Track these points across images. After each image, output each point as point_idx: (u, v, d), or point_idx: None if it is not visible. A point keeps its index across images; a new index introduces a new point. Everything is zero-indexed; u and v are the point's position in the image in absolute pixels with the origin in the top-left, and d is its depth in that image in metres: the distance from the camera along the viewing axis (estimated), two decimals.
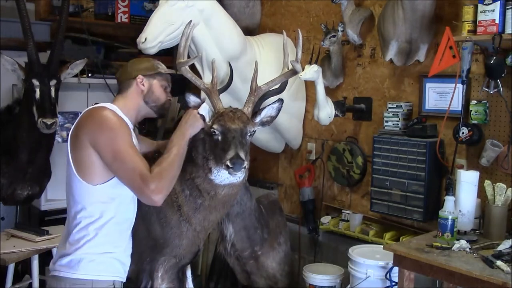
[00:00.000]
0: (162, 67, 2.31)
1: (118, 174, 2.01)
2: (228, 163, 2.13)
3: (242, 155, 2.14)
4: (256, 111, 2.38)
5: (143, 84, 2.21)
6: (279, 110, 2.39)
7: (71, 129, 2.08)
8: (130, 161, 1.97)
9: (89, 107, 2.11)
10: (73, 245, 2.05)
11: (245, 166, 2.15)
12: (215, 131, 2.21)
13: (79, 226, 2.05)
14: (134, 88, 2.20)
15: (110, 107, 2.10)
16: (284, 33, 2.62)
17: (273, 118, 2.41)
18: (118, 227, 2.11)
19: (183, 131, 2.18)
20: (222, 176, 2.25)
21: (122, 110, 2.13)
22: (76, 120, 2.08)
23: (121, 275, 2.16)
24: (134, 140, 2.12)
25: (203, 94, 2.44)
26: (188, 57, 2.43)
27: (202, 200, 2.40)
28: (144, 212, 2.47)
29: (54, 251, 3.29)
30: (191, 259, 2.67)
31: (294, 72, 2.46)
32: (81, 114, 2.09)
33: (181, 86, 2.67)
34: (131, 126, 2.14)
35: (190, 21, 2.38)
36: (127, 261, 2.20)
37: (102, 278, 2.06)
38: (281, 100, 2.39)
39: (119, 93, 2.24)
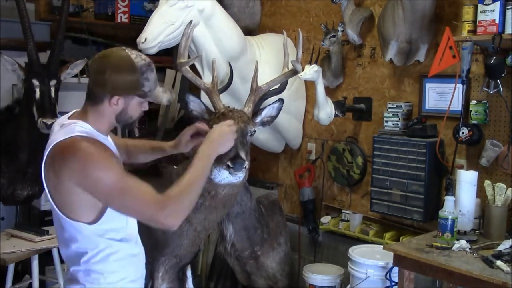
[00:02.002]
0: (151, 83, 1.84)
1: (121, 210, 1.77)
2: (228, 163, 2.13)
3: (242, 155, 2.14)
4: (257, 111, 2.39)
5: (116, 104, 1.82)
6: (279, 110, 2.40)
7: (43, 163, 1.79)
8: (129, 193, 1.73)
9: (58, 140, 1.76)
10: (85, 275, 1.85)
11: (245, 166, 2.15)
12: None
13: (86, 261, 1.83)
14: (106, 106, 1.82)
15: (81, 132, 1.78)
16: (285, 33, 2.62)
17: (273, 118, 2.41)
18: (127, 249, 1.91)
19: (213, 148, 1.92)
20: (222, 176, 2.26)
21: (94, 126, 1.83)
22: (46, 155, 1.78)
23: None
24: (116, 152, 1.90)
25: (203, 93, 2.45)
26: (188, 57, 2.43)
27: (202, 200, 2.40)
28: None
29: (54, 251, 3.30)
30: (191, 259, 2.68)
31: (294, 72, 2.47)
32: (50, 148, 1.77)
33: None
34: (104, 138, 1.88)
35: (191, 21, 2.38)
36: (143, 271, 2.03)
37: None
38: (281, 100, 2.39)
39: (89, 99, 1.85)
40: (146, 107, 1.91)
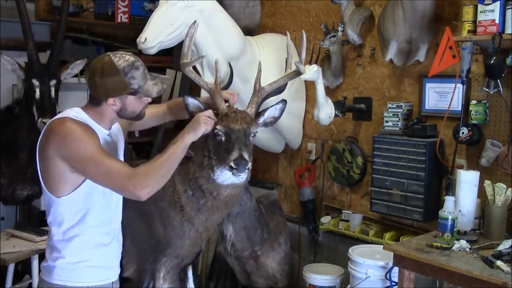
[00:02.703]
0: (139, 79, 2.00)
1: (95, 178, 1.94)
2: (232, 164, 2.13)
3: (246, 156, 2.14)
4: (259, 111, 2.39)
5: (114, 104, 2.01)
6: (282, 110, 2.40)
7: (38, 142, 2.00)
8: (102, 164, 1.90)
9: (52, 119, 2.01)
10: (50, 252, 2.05)
11: (248, 167, 2.16)
12: (219, 132, 2.21)
13: (52, 236, 2.04)
14: (104, 108, 2.02)
15: (74, 116, 1.99)
16: (288, 34, 2.62)
17: (276, 118, 2.41)
18: (93, 235, 2.05)
19: (183, 134, 2.09)
20: (224, 176, 2.26)
21: (94, 119, 2.03)
22: (41, 134, 2.00)
23: (104, 278, 2.10)
24: (107, 144, 2.06)
25: (203, 93, 2.44)
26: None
27: (205, 200, 2.40)
28: (146, 212, 2.47)
29: None
30: (193, 259, 2.68)
31: (297, 73, 2.46)
32: (45, 126, 2.01)
33: None
34: (105, 131, 2.06)
35: (195, 21, 2.37)
36: (114, 262, 2.16)
37: (75, 285, 2.02)
38: (284, 101, 2.39)
39: (90, 102, 2.06)
40: (146, 99, 2.07)
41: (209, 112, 2.19)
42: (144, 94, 2.03)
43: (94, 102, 2.03)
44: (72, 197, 1.97)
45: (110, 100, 1.99)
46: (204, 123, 2.11)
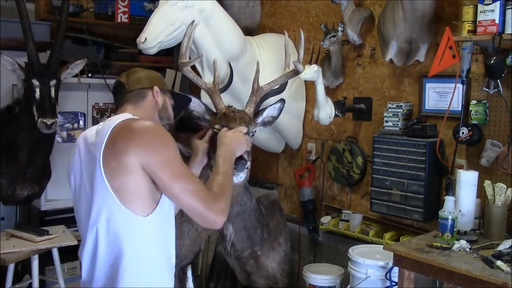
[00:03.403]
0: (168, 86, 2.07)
1: (179, 198, 1.72)
2: None
3: (245, 155, 2.14)
4: (258, 111, 2.39)
5: (157, 96, 1.95)
6: (280, 110, 2.40)
7: (101, 152, 1.70)
8: (191, 182, 1.72)
9: (115, 124, 1.74)
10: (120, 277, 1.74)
11: (247, 166, 2.16)
12: (218, 131, 2.21)
13: (127, 262, 1.73)
14: (149, 100, 1.94)
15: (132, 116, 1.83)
16: (286, 33, 2.62)
17: (275, 118, 2.41)
18: (168, 258, 1.85)
19: (229, 153, 1.97)
20: None
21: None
22: (106, 140, 1.71)
23: None
24: None
25: (203, 93, 2.44)
26: (189, 57, 2.43)
27: None
28: None
29: (54, 251, 3.30)
30: (192, 259, 2.68)
31: (296, 73, 2.47)
32: (110, 132, 1.72)
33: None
34: None
35: (193, 21, 2.37)
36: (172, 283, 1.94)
37: None
38: (283, 100, 2.39)
39: (129, 104, 1.92)
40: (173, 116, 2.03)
41: (244, 129, 2.14)
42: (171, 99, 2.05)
43: (138, 97, 1.93)
44: (158, 213, 1.76)
45: (156, 89, 1.95)
46: (247, 144, 2.10)
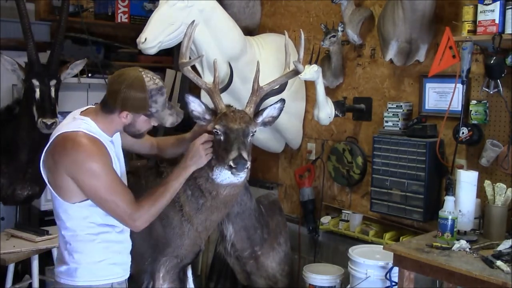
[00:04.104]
0: (159, 105, 2.03)
1: (100, 207, 2.00)
2: (231, 163, 2.13)
3: (245, 155, 2.14)
4: (258, 111, 2.39)
5: (125, 118, 2.03)
6: (281, 110, 2.40)
7: (44, 151, 2.00)
8: (111, 200, 1.97)
9: (61, 131, 1.97)
10: (69, 254, 2.04)
11: (247, 166, 2.16)
12: (218, 131, 2.21)
13: (70, 239, 2.04)
14: (115, 117, 2.03)
15: (86, 130, 1.96)
16: (286, 33, 2.62)
17: (275, 118, 2.41)
18: (112, 234, 2.08)
19: (186, 167, 2.15)
20: (223, 176, 2.26)
21: (100, 126, 2.02)
22: (49, 143, 1.98)
23: (120, 275, 2.14)
24: (113, 156, 2.06)
25: (203, 93, 2.44)
26: (189, 57, 2.43)
27: (204, 200, 2.40)
28: None
29: (54, 251, 3.29)
30: (192, 259, 2.68)
31: (296, 72, 2.47)
32: (54, 137, 1.98)
33: None
34: (108, 138, 2.06)
35: (193, 21, 2.37)
36: (127, 259, 2.19)
37: (100, 283, 2.05)
38: (283, 100, 2.39)
39: (103, 105, 2.05)
40: (154, 123, 2.11)
41: (205, 137, 2.21)
42: (157, 120, 2.09)
43: (107, 109, 2.03)
44: (87, 203, 1.99)
45: (124, 114, 2.01)
46: (206, 155, 2.18)
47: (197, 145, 2.17)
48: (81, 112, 2.07)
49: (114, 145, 2.12)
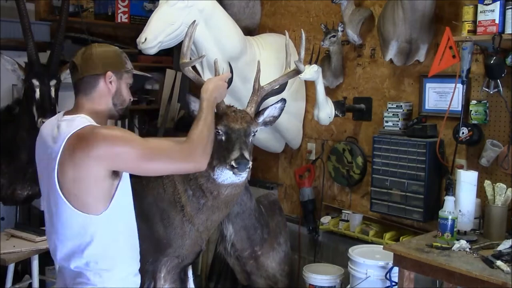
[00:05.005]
0: (129, 63, 2.01)
1: (154, 168, 1.87)
2: (233, 163, 2.13)
3: (246, 155, 2.15)
4: (259, 111, 2.39)
5: (111, 83, 1.92)
6: (281, 110, 2.40)
7: (57, 158, 1.80)
8: (160, 150, 1.85)
9: (71, 132, 1.81)
10: (95, 274, 1.86)
11: (249, 166, 2.16)
12: (219, 131, 2.22)
13: (96, 258, 1.86)
14: (101, 88, 1.91)
15: (89, 121, 1.86)
16: (287, 33, 2.62)
17: (275, 118, 2.41)
18: (131, 239, 1.99)
19: (212, 100, 2.04)
20: (225, 176, 2.26)
21: (95, 119, 1.89)
22: (61, 151, 1.79)
23: (138, 284, 2.04)
24: None
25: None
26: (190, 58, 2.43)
27: (205, 200, 2.40)
28: (147, 212, 2.47)
29: None
30: (193, 259, 2.68)
31: (296, 72, 2.47)
32: (65, 141, 1.80)
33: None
34: None
35: (194, 21, 2.38)
36: (137, 264, 2.08)
37: None
38: (283, 100, 2.39)
39: (81, 93, 1.92)
40: (131, 97, 2.02)
41: (228, 75, 2.24)
42: (130, 78, 2.00)
43: (88, 88, 1.91)
44: (113, 208, 1.85)
45: (109, 75, 1.90)
46: (225, 83, 2.15)
47: (220, 82, 2.12)
48: (64, 113, 1.96)
49: None
